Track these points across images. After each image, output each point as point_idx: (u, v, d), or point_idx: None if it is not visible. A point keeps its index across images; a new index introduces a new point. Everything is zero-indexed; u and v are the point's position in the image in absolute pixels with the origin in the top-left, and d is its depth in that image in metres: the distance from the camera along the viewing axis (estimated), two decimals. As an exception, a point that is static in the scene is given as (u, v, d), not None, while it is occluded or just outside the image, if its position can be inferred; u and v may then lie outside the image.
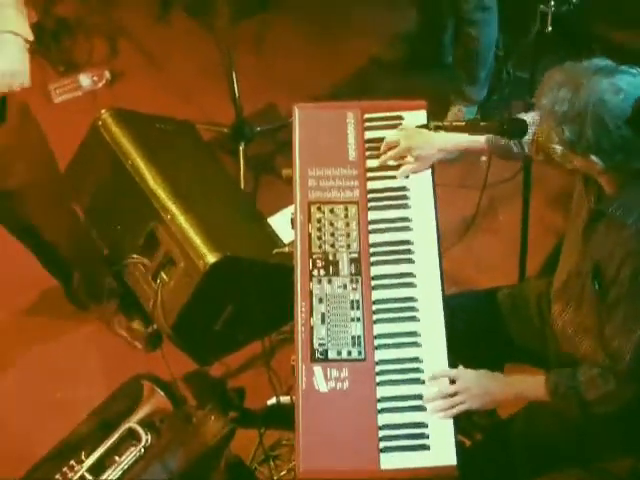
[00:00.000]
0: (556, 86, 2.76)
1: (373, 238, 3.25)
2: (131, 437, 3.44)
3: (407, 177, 3.37)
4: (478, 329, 3.37)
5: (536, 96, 2.82)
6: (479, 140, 3.33)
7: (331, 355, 3.03)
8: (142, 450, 3.42)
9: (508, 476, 3.35)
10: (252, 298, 3.78)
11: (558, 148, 2.82)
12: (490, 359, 3.41)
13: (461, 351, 3.15)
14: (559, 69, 2.81)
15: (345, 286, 3.15)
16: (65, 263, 4.16)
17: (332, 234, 3.24)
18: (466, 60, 4.67)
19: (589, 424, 3.09)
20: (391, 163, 3.38)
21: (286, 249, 3.54)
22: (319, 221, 3.27)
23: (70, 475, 3.40)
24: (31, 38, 3.40)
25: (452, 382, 3.03)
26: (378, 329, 3.08)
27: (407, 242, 3.25)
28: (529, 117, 3.19)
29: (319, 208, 3.29)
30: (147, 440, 3.43)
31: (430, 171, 3.40)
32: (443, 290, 3.17)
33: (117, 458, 3.42)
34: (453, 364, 3.05)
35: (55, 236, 3.96)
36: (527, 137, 3.23)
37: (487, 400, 3.07)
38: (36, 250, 4.08)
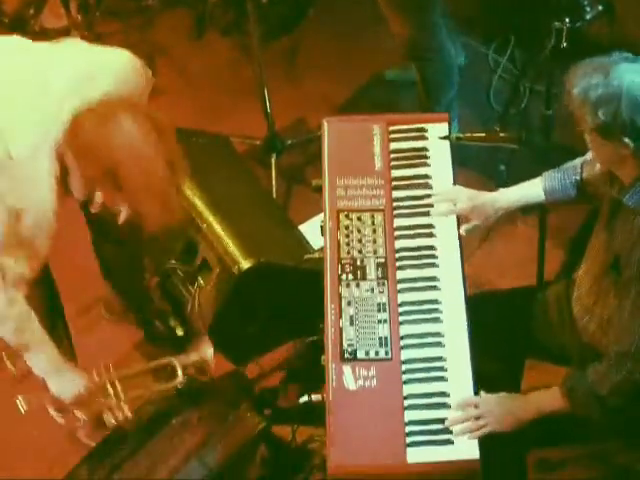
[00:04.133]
0: (586, 75, 2.77)
1: (398, 244, 3.25)
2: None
3: (431, 187, 3.37)
4: (499, 327, 3.36)
5: (567, 88, 2.81)
6: (537, 194, 3.31)
7: (359, 355, 3.03)
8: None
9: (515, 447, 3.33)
10: (284, 301, 3.78)
11: (588, 136, 2.84)
12: (511, 355, 3.40)
13: (483, 348, 3.14)
14: (584, 62, 2.82)
15: (372, 289, 3.15)
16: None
17: (360, 240, 3.24)
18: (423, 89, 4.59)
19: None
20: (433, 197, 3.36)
21: (316, 255, 3.54)
22: (347, 228, 3.27)
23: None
24: None
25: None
26: (404, 330, 3.08)
27: (431, 247, 3.25)
28: (578, 161, 3.22)
29: (347, 216, 3.29)
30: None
31: (452, 180, 3.39)
32: (465, 293, 3.16)
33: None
34: (475, 363, 3.04)
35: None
36: (577, 177, 3.23)
37: (510, 421, 3.03)
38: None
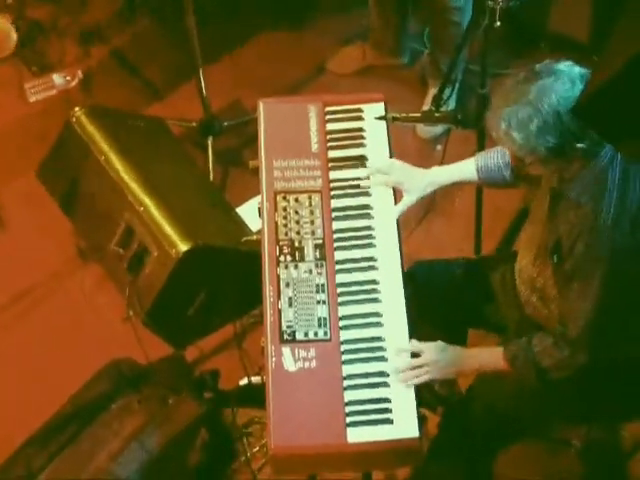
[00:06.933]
0: (514, 113, 2.73)
1: (336, 225, 3.25)
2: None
3: (367, 167, 3.37)
4: (441, 295, 3.41)
5: (503, 135, 2.77)
6: (471, 172, 3.32)
7: (298, 336, 3.03)
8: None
9: (471, 450, 3.37)
10: (223, 284, 3.77)
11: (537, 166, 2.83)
12: (453, 325, 3.44)
13: (424, 318, 3.17)
14: (499, 96, 2.78)
15: (310, 271, 3.15)
16: None
17: (297, 222, 3.24)
18: (448, 44, 4.60)
19: (545, 393, 3.10)
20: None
21: (254, 237, 3.54)
22: (285, 210, 3.26)
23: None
24: None
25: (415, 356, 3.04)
26: (342, 311, 3.08)
27: (368, 228, 3.25)
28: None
29: (284, 197, 3.29)
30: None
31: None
32: (403, 272, 3.17)
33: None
34: (413, 337, 3.05)
35: None
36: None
37: (450, 371, 3.08)
38: None
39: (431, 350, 3.04)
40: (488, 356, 3.11)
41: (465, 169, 3.33)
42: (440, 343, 3.07)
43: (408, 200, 3.32)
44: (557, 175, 2.94)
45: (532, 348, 3.00)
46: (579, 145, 2.76)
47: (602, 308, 2.87)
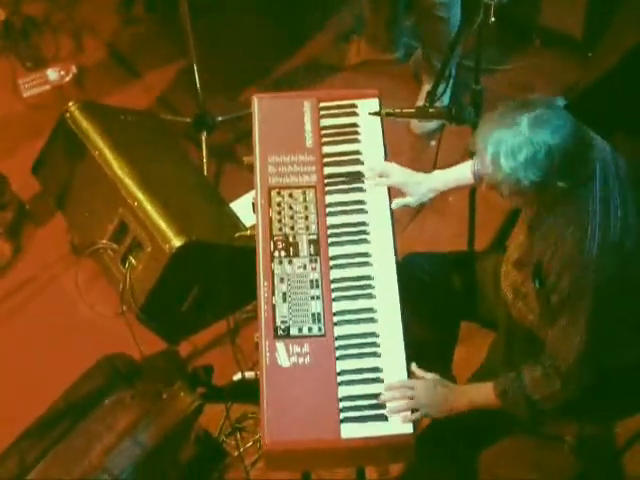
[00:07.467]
0: (504, 140, 2.68)
1: (330, 220, 3.24)
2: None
3: (362, 163, 3.37)
4: (432, 286, 3.40)
5: (487, 157, 2.71)
6: (467, 178, 3.30)
7: (293, 332, 3.02)
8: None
9: (464, 443, 3.36)
10: (217, 279, 3.76)
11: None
12: (444, 317, 3.45)
13: (417, 312, 3.15)
14: (490, 120, 2.73)
15: (305, 266, 3.14)
16: None
17: (291, 217, 3.24)
18: (438, 39, 4.61)
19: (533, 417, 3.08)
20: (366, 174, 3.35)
21: (248, 232, 3.54)
22: (279, 205, 3.26)
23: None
24: None
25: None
26: (337, 306, 3.08)
27: (363, 224, 3.25)
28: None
29: (279, 193, 3.28)
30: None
31: (383, 156, 3.39)
32: (397, 268, 3.16)
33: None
34: (407, 338, 3.05)
35: None
36: None
37: (444, 408, 3.03)
38: None
39: (420, 387, 2.99)
40: (478, 392, 3.07)
41: (461, 175, 3.32)
42: (434, 380, 3.03)
43: (409, 202, 3.32)
44: (535, 208, 2.92)
45: (522, 380, 2.97)
46: (560, 184, 2.72)
47: (591, 342, 2.85)
